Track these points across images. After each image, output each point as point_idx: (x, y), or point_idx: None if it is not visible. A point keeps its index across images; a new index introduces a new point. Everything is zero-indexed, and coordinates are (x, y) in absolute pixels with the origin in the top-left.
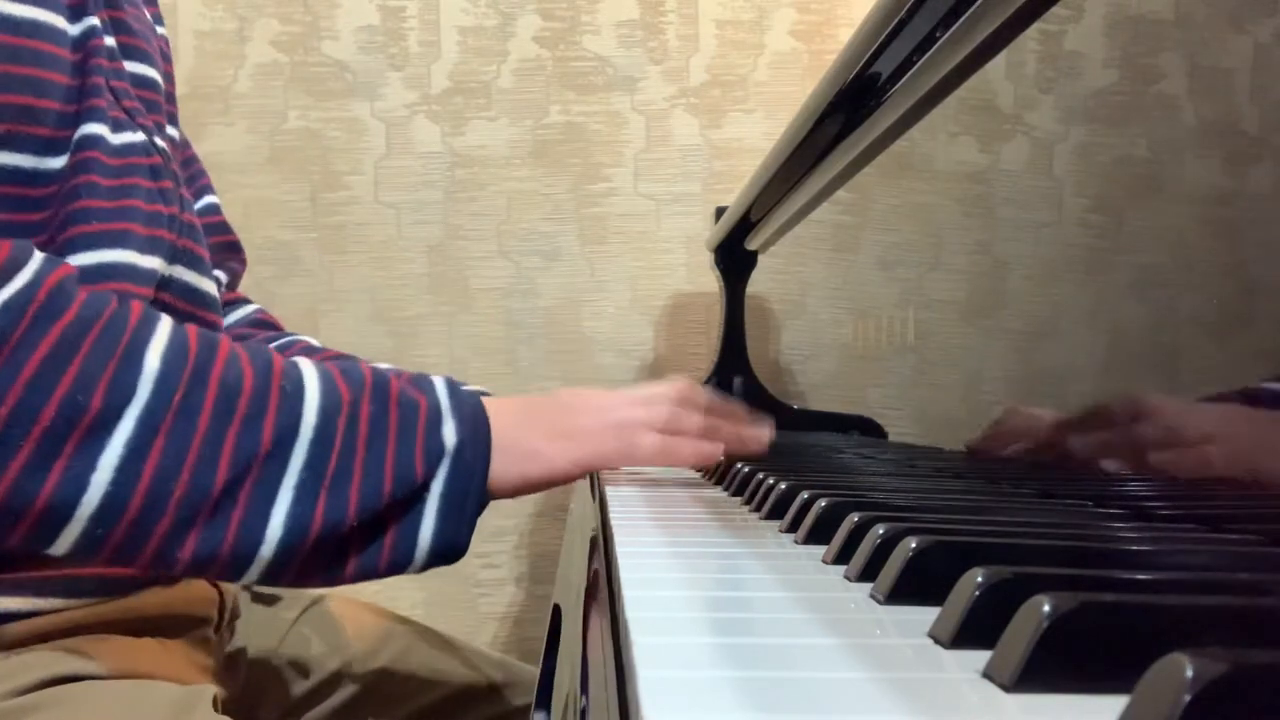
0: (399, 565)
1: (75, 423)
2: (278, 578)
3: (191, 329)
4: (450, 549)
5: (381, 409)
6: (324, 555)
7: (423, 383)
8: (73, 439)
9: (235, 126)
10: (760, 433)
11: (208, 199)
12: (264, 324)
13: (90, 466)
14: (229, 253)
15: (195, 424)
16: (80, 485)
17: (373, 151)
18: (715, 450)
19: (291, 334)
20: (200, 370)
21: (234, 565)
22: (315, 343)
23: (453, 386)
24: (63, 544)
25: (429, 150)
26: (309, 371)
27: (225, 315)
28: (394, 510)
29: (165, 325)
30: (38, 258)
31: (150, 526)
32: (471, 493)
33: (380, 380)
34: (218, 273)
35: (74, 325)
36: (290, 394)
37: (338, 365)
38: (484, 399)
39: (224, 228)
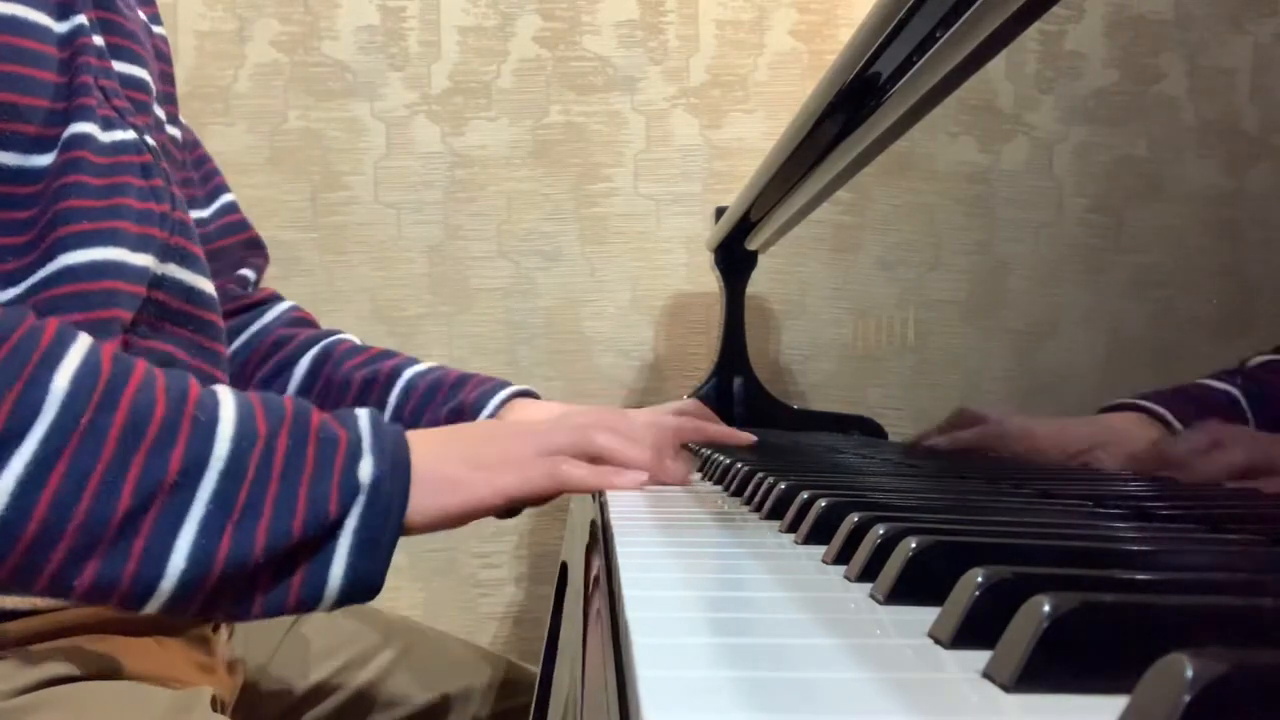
0: (307, 604)
1: None
2: (181, 610)
3: (107, 350)
4: (363, 587)
5: (298, 444)
6: (230, 590)
7: (346, 417)
8: None
9: (235, 126)
10: (683, 468)
11: (225, 198)
12: (302, 321)
13: None
14: (251, 249)
15: (100, 450)
16: None
17: (373, 151)
18: (642, 478)
19: (332, 331)
20: (110, 394)
21: (134, 596)
22: (357, 341)
23: (376, 420)
24: None
25: (429, 150)
26: (226, 402)
27: (260, 314)
28: (305, 547)
29: (79, 346)
30: None
31: (47, 552)
32: (388, 530)
33: (301, 414)
34: (245, 271)
35: None
36: (203, 424)
37: (261, 397)
38: (408, 432)
39: (243, 225)
